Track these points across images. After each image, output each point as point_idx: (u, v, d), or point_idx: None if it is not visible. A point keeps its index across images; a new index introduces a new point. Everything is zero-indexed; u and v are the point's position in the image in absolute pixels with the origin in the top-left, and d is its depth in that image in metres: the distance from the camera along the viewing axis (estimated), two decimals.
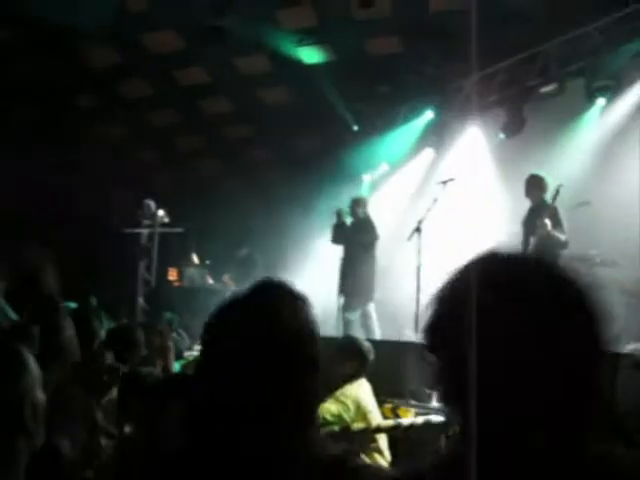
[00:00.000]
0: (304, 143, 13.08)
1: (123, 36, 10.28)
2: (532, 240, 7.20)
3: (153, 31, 10.20)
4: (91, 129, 12.67)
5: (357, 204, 9.18)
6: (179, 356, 7.52)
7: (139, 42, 10.43)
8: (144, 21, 9.90)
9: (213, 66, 11.20)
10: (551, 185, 7.40)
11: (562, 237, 7.01)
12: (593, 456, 1.02)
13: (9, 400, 1.71)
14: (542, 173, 7.60)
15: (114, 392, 3.76)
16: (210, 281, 12.90)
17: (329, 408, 4.38)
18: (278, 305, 1.36)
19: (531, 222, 7.37)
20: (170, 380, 3.28)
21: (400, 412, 5.30)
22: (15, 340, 2.54)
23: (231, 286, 12.39)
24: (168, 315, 10.55)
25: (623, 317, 1.18)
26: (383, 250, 9.37)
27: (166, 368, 5.41)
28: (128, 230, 12.05)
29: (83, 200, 12.51)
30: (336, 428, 4.35)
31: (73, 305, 8.43)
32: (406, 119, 11.44)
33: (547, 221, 6.98)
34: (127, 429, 3.20)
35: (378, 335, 8.53)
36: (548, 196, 7.38)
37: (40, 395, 1.76)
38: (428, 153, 11.56)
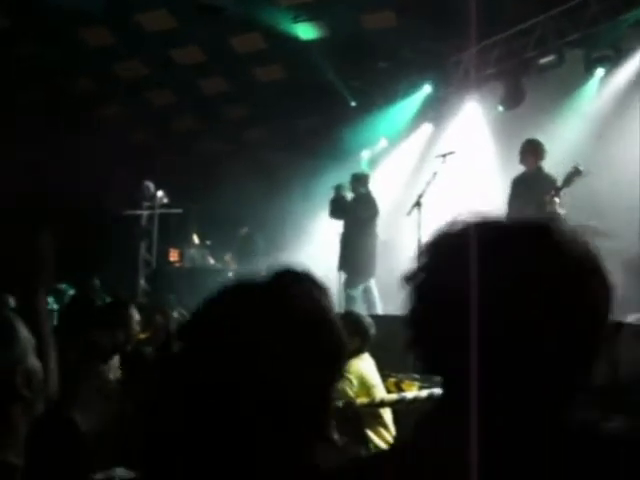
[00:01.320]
0: (302, 121, 13.03)
1: (117, 16, 10.20)
2: (528, 209, 7.11)
3: (147, 10, 10.12)
4: (89, 111, 12.63)
5: (358, 180, 9.16)
6: None
7: (134, 22, 10.35)
8: (138, 0, 9.83)
9: (208, 45, 11.12)
10: (548, 152, 7.29)
11: (562, 212, 6.93)
12: (573, 426, 0.99)
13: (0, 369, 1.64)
14: (538, 139, 7.46)
15: (117, 372, 3.79)
16: (211, 261, 12.93)
17: None
18: (299, 293, 1.23)
19: (525, 189, 7.25)
20: (172, 359, 3.29)
21: (404, 386, 5.33)
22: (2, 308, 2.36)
23: (232, 266, 12.41)
24: (167, 296, 10.60)
25: (623, 288, 1.17)
26: (383, 225, 9.37)
27: (167, 348, 5.45)
28: (128, 212, 12.06)
29: (83, 182, 12.48)
30: (340, 403, 4.38)
31: (71, 289, 8.49)
32: (404, 94, 11.39)
33: (556, 199, 6.86)
34: (130, 408, 3.22)
35: (380, 310, 8.56)
36: (543, 163, 7.28)
37: (35, 362, 1.68)
38: (427, 128, 11.53)
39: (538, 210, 6.98)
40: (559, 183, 6.90)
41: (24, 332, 1.70)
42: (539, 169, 7.25)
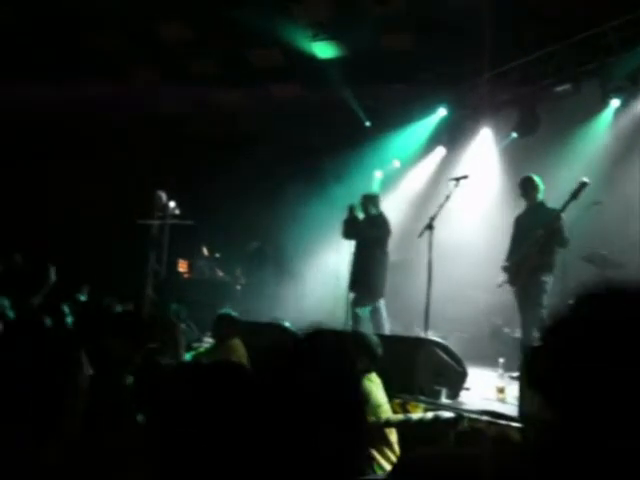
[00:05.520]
0: (316, 139, 13.08)
1: (136, 24, 10.29)
2: (528, 240, 7.20)
3: (167, 21, 10.21)
4: (103, 118, 12.70)
5: (369, 200, 9.14)
6: (188, 347, 7.56)
7: (152, 31, 10.43)
8: (158, 10, 9.91)
9: (226, 58, 11.19)
10: (541, 185, 7.44)
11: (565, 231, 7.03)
12: None
13: (63, 391, 2.00)
14: (534, 175, 7.57)
15: (130, 380, 3.79)
16: (220, 274, 12.94)
17: None
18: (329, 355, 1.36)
19: (527, 221, 7.41)
20: (185, 368, 3.29)
21: (409, 407, 5.32)
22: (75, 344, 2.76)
23: (242, 279, 12.43)
24: (175, 306, 10.61)
25: None
26: (395, 246, 9.37)
27: (177, 358, 5.46)
28: (140, 221, 12.10)
29: (95, 192, 12.56)
30: None
31: (83, 297, 8.49)
32: (419, 116, 11.42)
33: (562, 215, 6.94)
34: (140, 417, 3.22)
35: (387, 330, 8.53)
36: (540, 196, 7.42)
37: (84, 378, 2.11)
38: (440, 151, 11.56)
39: (541, 236, 7.02)
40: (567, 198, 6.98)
41: (86, 367, 2.11)
42: (541, 203, 7.36)
